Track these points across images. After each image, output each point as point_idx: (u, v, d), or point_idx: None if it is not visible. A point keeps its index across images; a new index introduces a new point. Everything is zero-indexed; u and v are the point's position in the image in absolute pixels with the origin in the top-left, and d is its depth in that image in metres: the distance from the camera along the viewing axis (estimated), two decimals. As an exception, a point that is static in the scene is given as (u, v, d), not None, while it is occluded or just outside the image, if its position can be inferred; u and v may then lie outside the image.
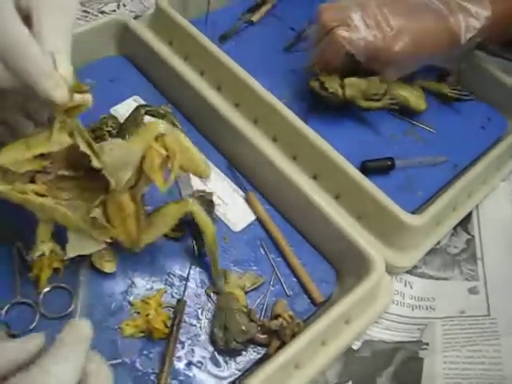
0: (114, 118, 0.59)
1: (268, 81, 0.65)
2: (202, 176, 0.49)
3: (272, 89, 0.64)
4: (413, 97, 0.67)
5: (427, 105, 0.67)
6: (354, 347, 0.54)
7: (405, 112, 0.67)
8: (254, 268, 0.54)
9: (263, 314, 0.52)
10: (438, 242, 0.62)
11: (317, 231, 0.56)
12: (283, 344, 0.49)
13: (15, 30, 0.41)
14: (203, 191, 0.55)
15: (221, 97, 0.65)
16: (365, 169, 0.60)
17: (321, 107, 0.65)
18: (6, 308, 0.48)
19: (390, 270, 0.58)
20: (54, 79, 0.41)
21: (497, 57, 0.72)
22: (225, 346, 0.48)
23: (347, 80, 0.63)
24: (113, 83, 0.66)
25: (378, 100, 0.65)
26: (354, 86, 0.63)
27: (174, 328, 0.49)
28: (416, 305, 0.58)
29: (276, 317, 0.50)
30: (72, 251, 0.48)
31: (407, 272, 0.60)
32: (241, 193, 0.59)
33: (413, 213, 0.58)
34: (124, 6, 0.81)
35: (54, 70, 0.41)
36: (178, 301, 0.51)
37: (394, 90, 0.65)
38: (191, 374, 0.48)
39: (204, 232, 0.50)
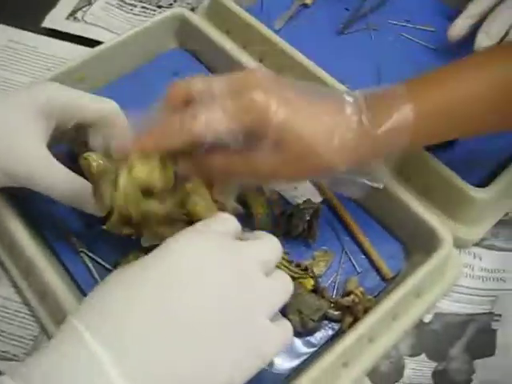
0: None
1: (326, 64, 0.66)
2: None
3: (331, 73, 0.65)
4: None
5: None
6: (426, 320, 0.55)
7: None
8: (324, 247, 0.56)
9: (335, 291, 0.54)
10: (506, 214, 0.62)
11: (383, 208, 0.57)
12: (356, 319, 0.50)
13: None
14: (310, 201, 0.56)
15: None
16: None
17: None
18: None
19: (458, 244, 0.58)
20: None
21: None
22: (303, 328, 0.50)
23: None
24: (176, 77, 0.68)
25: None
26: None
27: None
28: (486, 276, 0.58)
29: (348, 294, 0.52)
30: (145, 242, 0.49)
31: (475, 244, 0.60)
32: (306, 175, 0.61)
33: (479, 185, 0.58)
34: (180, -2, 0.83)
35: None
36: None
37: None
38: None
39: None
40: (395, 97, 0.47)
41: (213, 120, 0.42)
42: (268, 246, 0.41)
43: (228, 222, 0.42)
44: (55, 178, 0.47)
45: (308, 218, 0.54)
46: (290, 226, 0.55)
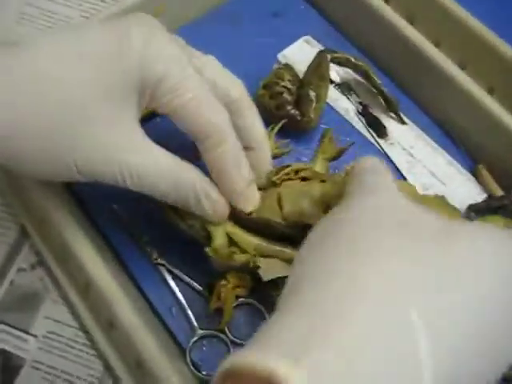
0: (291, 69, 0.45)
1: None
2: None
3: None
4: None
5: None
6: None
7: None
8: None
9: None
10: None
11: None
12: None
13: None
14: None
15: (418, 32, 0.49)
16: None
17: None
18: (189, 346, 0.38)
19: None
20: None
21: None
22: None
23: None
24: (276, 18, 0.52)
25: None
26: None
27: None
28: None
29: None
30: (267, 275, 0.36)
31: None
32: (459, 168, 0.45)
33: None
34: None
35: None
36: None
37: None
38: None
39: None
40: None
41: None
42: None
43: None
44: (162, 171, 0.34)
45: None
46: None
